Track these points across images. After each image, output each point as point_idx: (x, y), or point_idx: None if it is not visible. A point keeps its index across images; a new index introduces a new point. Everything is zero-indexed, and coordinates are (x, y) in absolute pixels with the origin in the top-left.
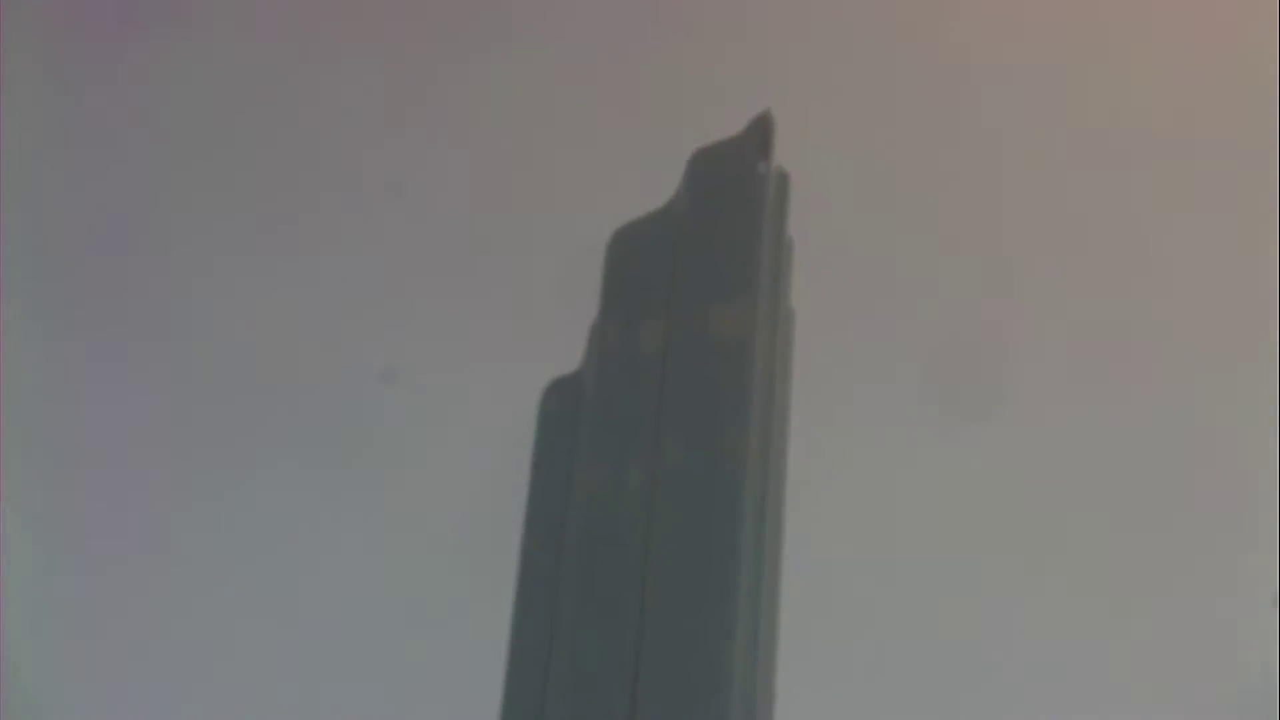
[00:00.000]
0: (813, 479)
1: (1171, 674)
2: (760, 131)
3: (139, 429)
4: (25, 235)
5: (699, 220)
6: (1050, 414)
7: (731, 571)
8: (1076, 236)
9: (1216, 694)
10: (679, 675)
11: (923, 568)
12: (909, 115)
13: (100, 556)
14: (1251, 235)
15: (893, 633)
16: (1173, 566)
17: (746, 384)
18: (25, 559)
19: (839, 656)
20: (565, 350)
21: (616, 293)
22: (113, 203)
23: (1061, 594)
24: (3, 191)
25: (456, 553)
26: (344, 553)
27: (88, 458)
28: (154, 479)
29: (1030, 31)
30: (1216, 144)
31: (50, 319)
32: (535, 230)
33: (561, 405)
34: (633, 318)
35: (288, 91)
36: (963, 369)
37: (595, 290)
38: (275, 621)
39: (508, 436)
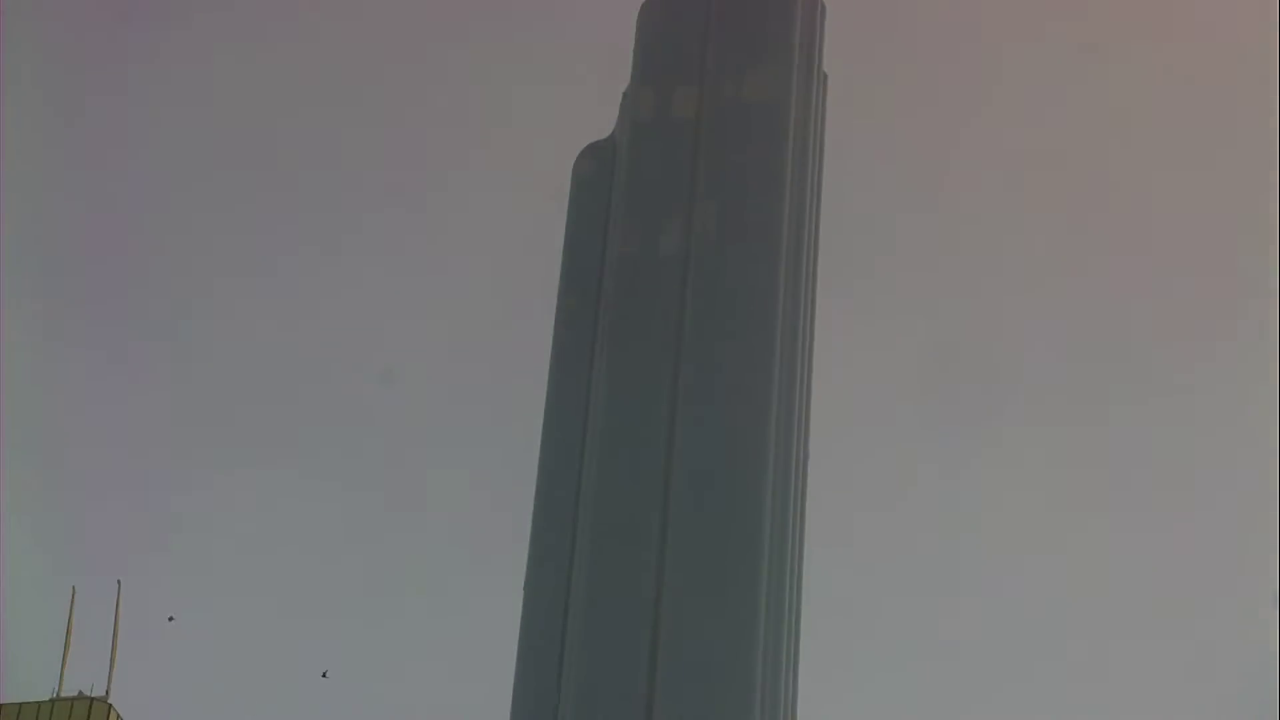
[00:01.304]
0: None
1: (1172, 674)
2: None
3: (139, 430)
4: (27, 239)
5: None
6: (1050, 417)
7: (766, 341)
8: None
9: (1216, 694)
10: (715, 449)
11: (923, 568)
12: None
13: (100, 553)
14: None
15: (893, 630)
16: (1173, 567)
17: (780, 147)
18: (26, 555)
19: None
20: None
21: (649, 59)
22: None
23: (1061, 594)
24: (3, 194)
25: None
26: None
27: (88, 457)
28: (154, 477)
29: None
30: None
31: (52, 322)
32: None
33: (595, 170)
34: (666, 84)
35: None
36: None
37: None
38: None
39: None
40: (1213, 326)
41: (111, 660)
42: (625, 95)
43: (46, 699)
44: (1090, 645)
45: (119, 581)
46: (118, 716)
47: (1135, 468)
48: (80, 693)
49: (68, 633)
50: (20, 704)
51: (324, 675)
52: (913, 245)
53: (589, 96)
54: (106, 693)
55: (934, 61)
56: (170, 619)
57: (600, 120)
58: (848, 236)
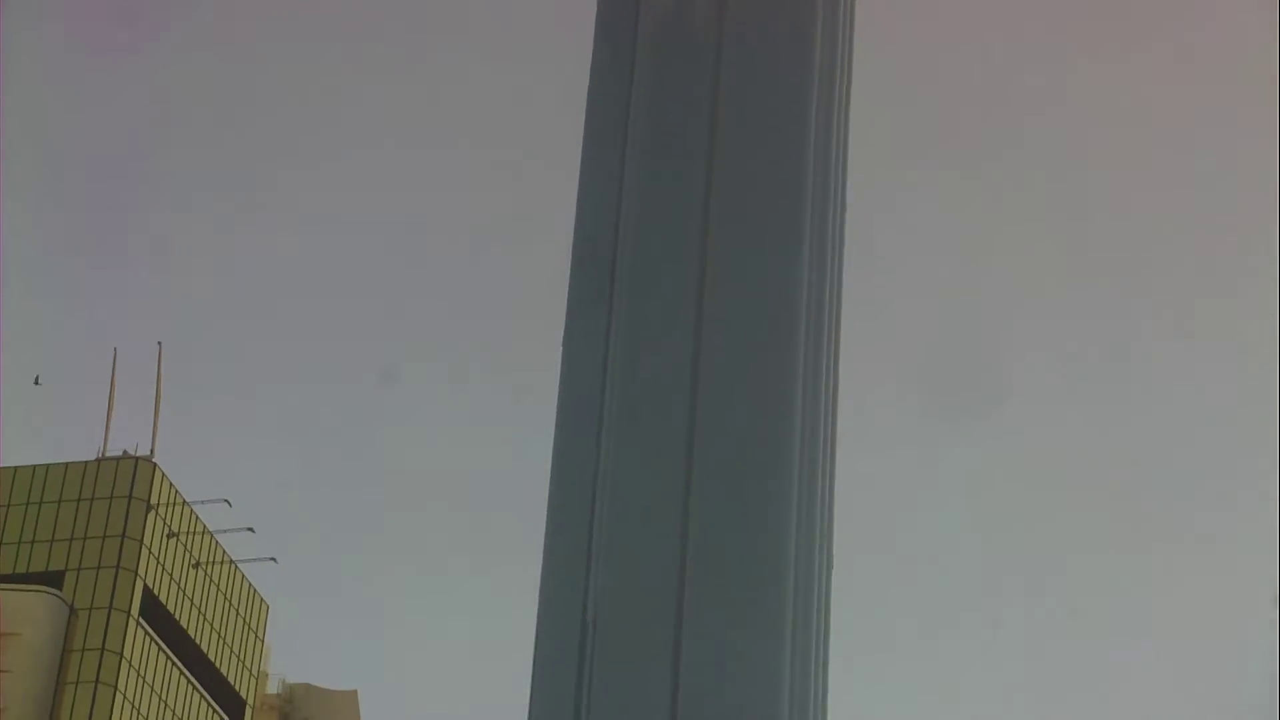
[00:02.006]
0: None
1: (1171, 673)
2: None
3: None
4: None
5: None
6: (1050, 419)
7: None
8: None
9: (1217, 694)
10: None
11: (924, 567)
12: None
13: None
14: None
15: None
16: (1172, 567)
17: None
18: None
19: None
20: None
21: None
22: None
23: (1061, 594)
24: (1, 190)
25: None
26: None
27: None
28: None
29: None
30: None
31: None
32: None
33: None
34: None
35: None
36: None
37: None
38: None
39: None
40: (1213, 329)
41: (155, 421)
42: None
43: (92, 459)
44: (1090, 644)
45: (159, 343)
46: (163, 475)
47: (1135, 470)
48: (125, 452)
49: (110, 393)
50: (66, 464)
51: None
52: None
53: None
54: (151, 452)
55: None
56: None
57: None
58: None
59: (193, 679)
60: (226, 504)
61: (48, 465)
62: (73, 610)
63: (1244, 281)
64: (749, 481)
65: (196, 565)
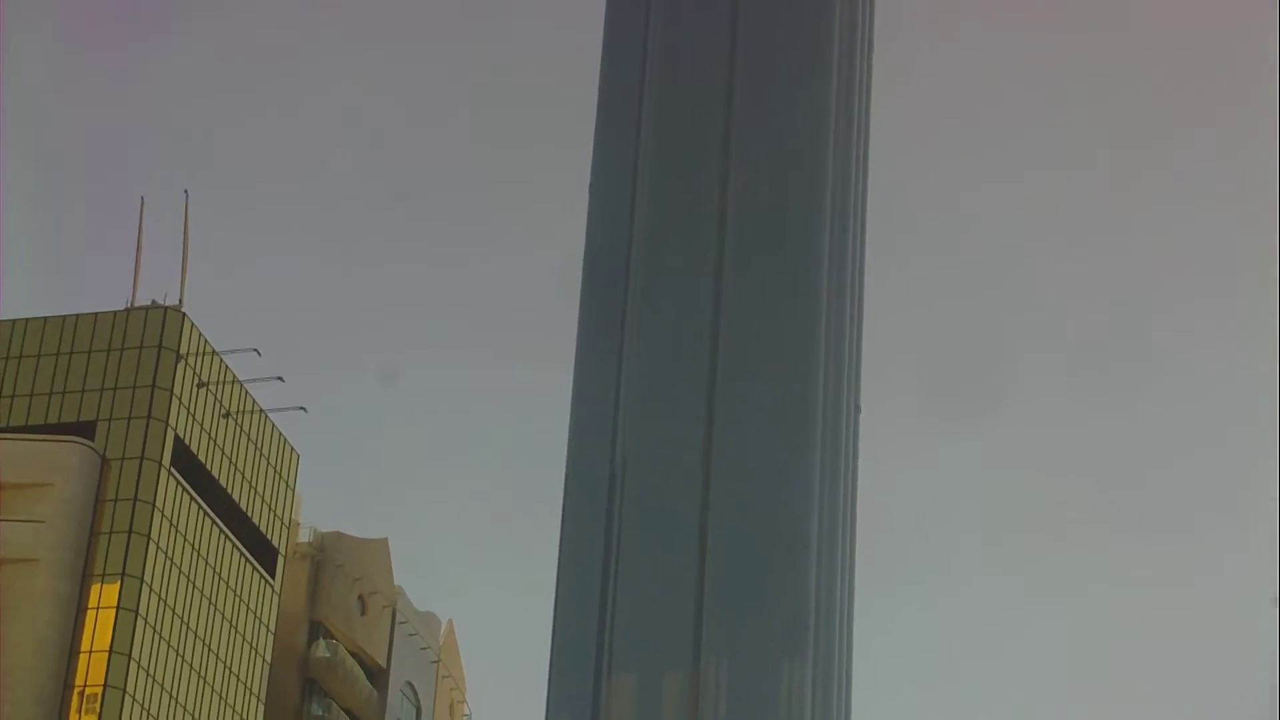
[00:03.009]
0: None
1: (1171, 672)
2: None
3: None
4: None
5: None
6: (1051, 421)
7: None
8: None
9: (1217, 694)
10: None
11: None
12: None
13: None
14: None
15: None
16: (1173, 567)
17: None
18: None
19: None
20: None
21: None
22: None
23: (1061, 593)
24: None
25: None
26: None
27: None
28: None
29: None
30: None
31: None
32: None
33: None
34: None
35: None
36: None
37: None
38: None
39: None
40: (1214, 331)
41: (183, 270)
42: None
43: (121, 309)
44: (1090, 644)
45: (186, 192)
46: (192, 325)
47: (1135, 471)
48: (154, 302)
49: (138, 242)
50: (95, 314)
51: None
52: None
53: None
54: (180, 301)
55: None
56: None
57: None
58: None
59: (224, 528)
60: (256, 353)
61: (77, 315)
62: (104, 460)
63: (1244, 282)
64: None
65: (227, 415)
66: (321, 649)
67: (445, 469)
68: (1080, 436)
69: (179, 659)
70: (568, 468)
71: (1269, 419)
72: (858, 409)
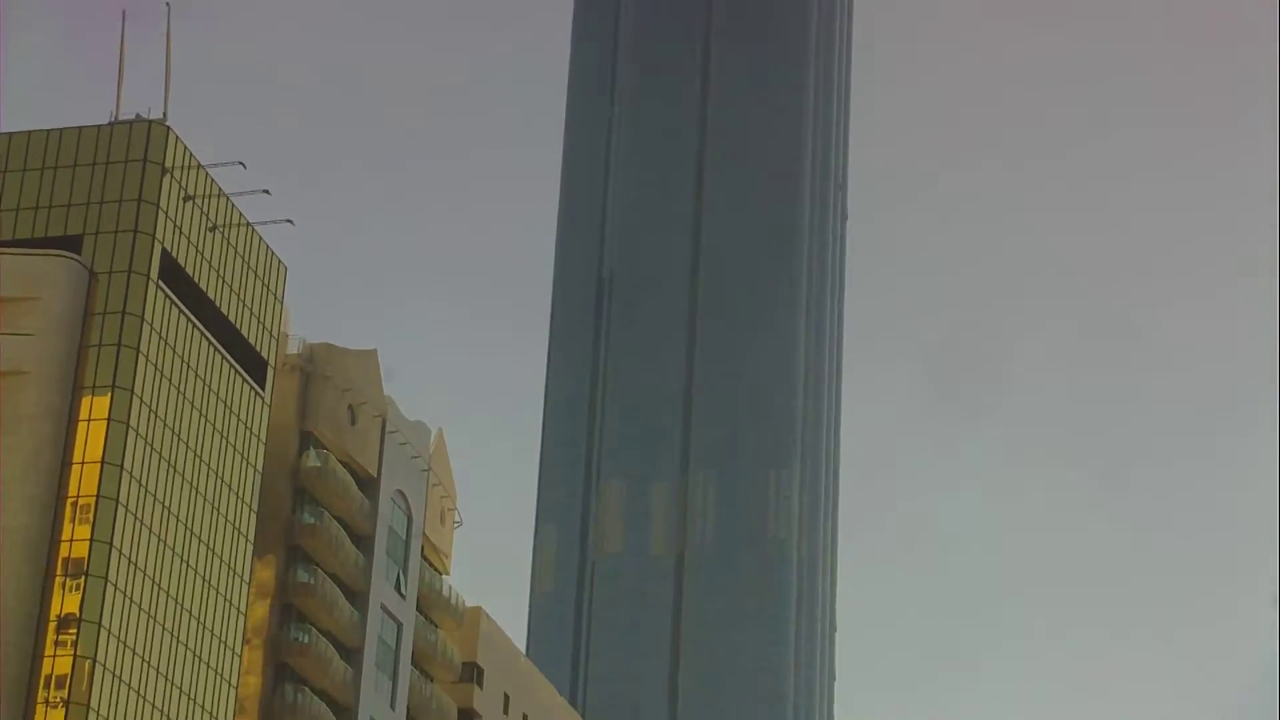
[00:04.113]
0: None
1: (1172, 672)
2: None
3: None
4: None
5: None
6: (1052, 421)
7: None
8: None
9: (1217, 693)
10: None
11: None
12: None
13: None
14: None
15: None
16: (1173, 568)
17: None
18: None
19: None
20: None
21: None
22: None
23: (1062, 593)
24: None
25: None
26: None
27: None
28: None
29: None
30: None
31: None
32: None
33: None
34: None
35: None
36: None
37: None
38: None
39: None
40: (1213, 333)
41: (166, 84)
42: None
43: (105, 123)
44: (1090, 643)
45: (168, 4)
46: (177, 139)
47: (1135, 472)
48: (138, 116)
49: (121, 57)
50: (80, 128)
51: None
52: None
53: None
54: (164, 115)
55: None
56: None
57: None
58: None
59: (213, 340)
60: (241, 166)
61: (61, 129)
62: (92, 274)
63: (1245, 283)
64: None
65: (213, 228)
66: (312, 459)
67: (434, 280)
68: (1079, 432)
69: (171, 470)
70: (555, 279)
71: (1269, 418)
72: (845, 216)
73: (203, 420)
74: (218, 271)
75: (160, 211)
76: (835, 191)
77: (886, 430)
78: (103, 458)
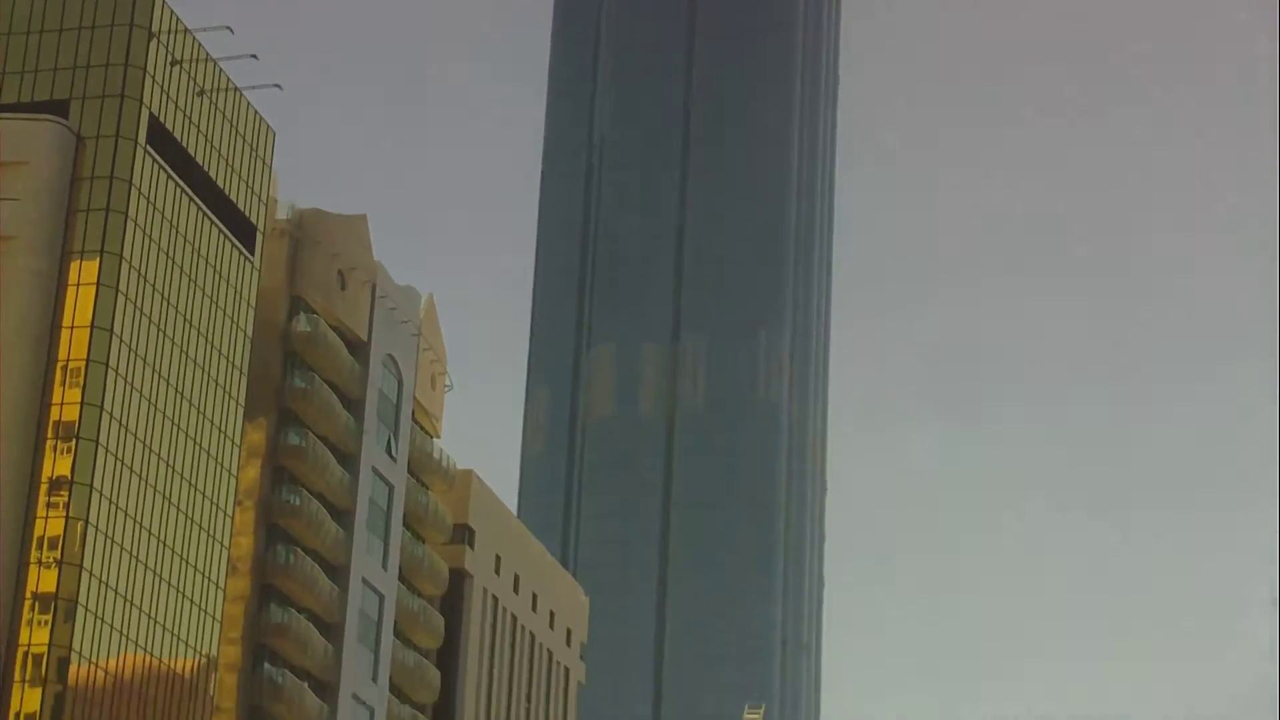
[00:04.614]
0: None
1: (1172, 672)
2: None
3: None
4: None
5: None
6: (1054, 422)
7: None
8: None
9: (1217, 693)
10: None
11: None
12: None
13: None
14: None
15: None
16: (1173, 568)
17: None
18: None
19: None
20: None
21: None
22: None
23: (1062, 593)
24: None
25: None
26: None
27: None
28: None
29: None
30: None
31: None
32: None
33: None
34: None
35: None
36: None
37: None
38: None
39: None
40: (1213, 334)
41: None
42: None
43: None
44: (1091, 643)
45: None
46: (163, 2)
47: (1135, 471)
48: None
49: None
50: None
51: None
52: None
53: None
54: None
55: None
56: None
57: None
58: None
59: (202, 205)
60: (228, 31)
61: None
62: (79, 139)
63: (1244, 284)
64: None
65: (201, 93)
66: (302, 323)
67: (422, 145)
68: (1080, 440)
69: (160, 334)
70: (545, 142)
71: (1269, 418)
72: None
73: (192, 285)
74: (205, 136)
75: (148, 76)
76: (827, 26)
77: (877, 292)
78: (92, 322)
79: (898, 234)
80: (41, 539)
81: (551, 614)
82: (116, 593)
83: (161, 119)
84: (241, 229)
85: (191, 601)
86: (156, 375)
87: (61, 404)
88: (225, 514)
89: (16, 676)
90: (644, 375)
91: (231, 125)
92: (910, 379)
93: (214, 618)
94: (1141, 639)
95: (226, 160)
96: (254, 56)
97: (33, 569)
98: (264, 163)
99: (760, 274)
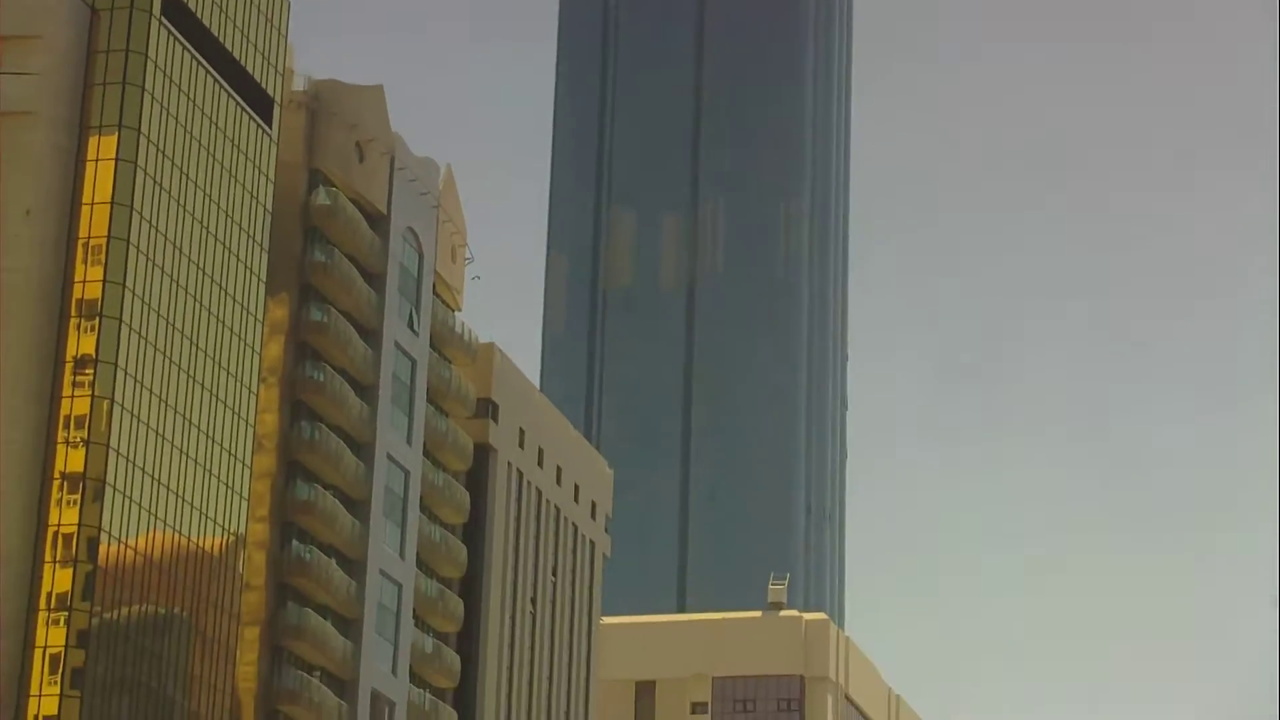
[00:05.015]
0: None
1: (1172, 672)
2: None
3: None
4: None
5: None
6: (1055, 422)
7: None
8: None
9: (1217, 694)
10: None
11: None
12: None
13: None
14: None
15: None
16: (1173, 568)
17: None
18: None
19: None
20: None
21: None
22: None
23: (1062, 592)
24: None
25: None
26: None
27: None
28: None
29: None
30: None
31: None
32: None
33: None
34: None
35: None
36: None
37: None
38: None
39: None
40: (1213, 335)
41: None
42: None
43: None
44: (1091, 643)
45: None
46: None
47: (1136, 471)
48: None
49: None
50: None
51: None
52: None
53: None
54: None
55: None
56: None
57: None
58: None
59: (219, 78)
60: None
61: None
62: (94, 11)
63: (1246, 282)
64: None
65: None
66: (322, 197)
67: (439, 13)
68: (1080, 440)
69: (181, 210)
70: (561, 5)
71: (1268, 418)
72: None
73: (210, 159)
74: (220, 8)
75: None
76: None
77: (897, 155)
78: (112, 198)
79: (917, 101)
80: (68, 418)
81: (576, 487)
82: (144, 471)
83: None
84: (259, 102)
85: (219, 479)
86: (178, 251)
87: (84, 281)
88: (250, 391)
89: (47, 556)
90: (663, 244)
91: None
92: (932, 244)
93: (241, 495)
94: (1138, 635)
95: (242, 32)
96: None
97: (60, 449)
98: (280, 34)
99: (779, 140)
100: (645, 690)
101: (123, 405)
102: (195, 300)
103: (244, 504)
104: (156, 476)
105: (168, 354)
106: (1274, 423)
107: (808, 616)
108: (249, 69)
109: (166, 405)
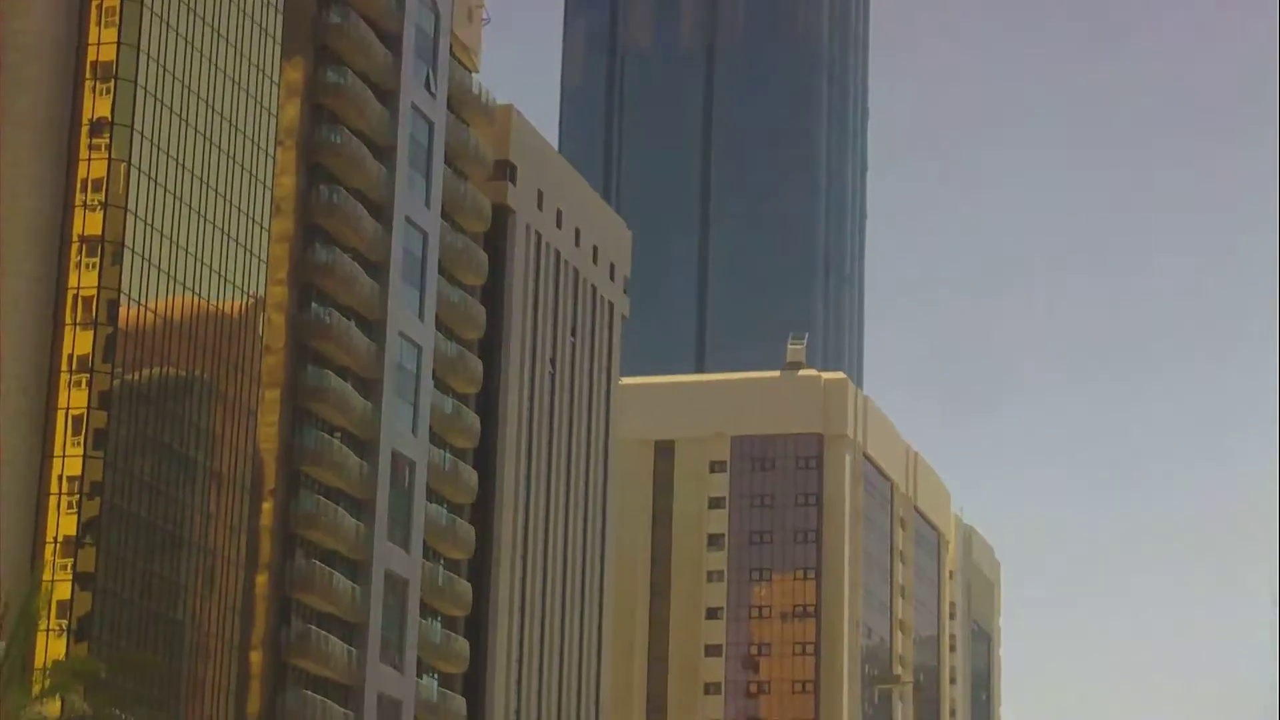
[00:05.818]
0: None
1: (1172, 672)
2: None
3: None
4: None
5: None
6: (1056, 422)
7: None
8: None
9: (1217, 694)
10: None
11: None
12: None
13: None
14: None
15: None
16: (1173, 568)
17: None
18: None
19: None
20: None
21: None
22: None
23: (1062, 592)
24: None
25: None
26: None
27: None
28: None
29: None
30: None
31: None
32: None
33: None
34: None
35: None
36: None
37: None
38: None
39: None
40: (1213, 335)
41: None
42: None
43: None
44: (1090, 643)
45: None
46: None
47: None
48: None
49: None
50: None
51: None
52: None
53: None
54: None
55: None
56: None
57: None
58: None
59: None
60: None
61: None
62: None
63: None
64: None
65: None
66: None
67: None
68: (1081, 440)
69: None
70: None
71: (1268, 418)
72: None
73: None
74: None
75: None
76: None
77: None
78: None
79: None
80: (85, 181)
81: (595, 248)
82: (162, 234)
83: None
84: None
85: (237, 242)
86: (191, 12)
87: (98, 44)
88: (267, 154)
89: (67, 319)
90: (682, 6)
91: None
92: (952, 4)
93: (260, 258)
94: (1137, 634)
95: None
96: None
97: (78, 211)
98: None
99: None
100: (664, 450)
101: (139, 168)
102: (210, 62)
103: (263, 267)
104: (175, 239)
105: (184, 117)
106: (1275, 414)
107: (826, 376)
108: None
109: (183, 168)
